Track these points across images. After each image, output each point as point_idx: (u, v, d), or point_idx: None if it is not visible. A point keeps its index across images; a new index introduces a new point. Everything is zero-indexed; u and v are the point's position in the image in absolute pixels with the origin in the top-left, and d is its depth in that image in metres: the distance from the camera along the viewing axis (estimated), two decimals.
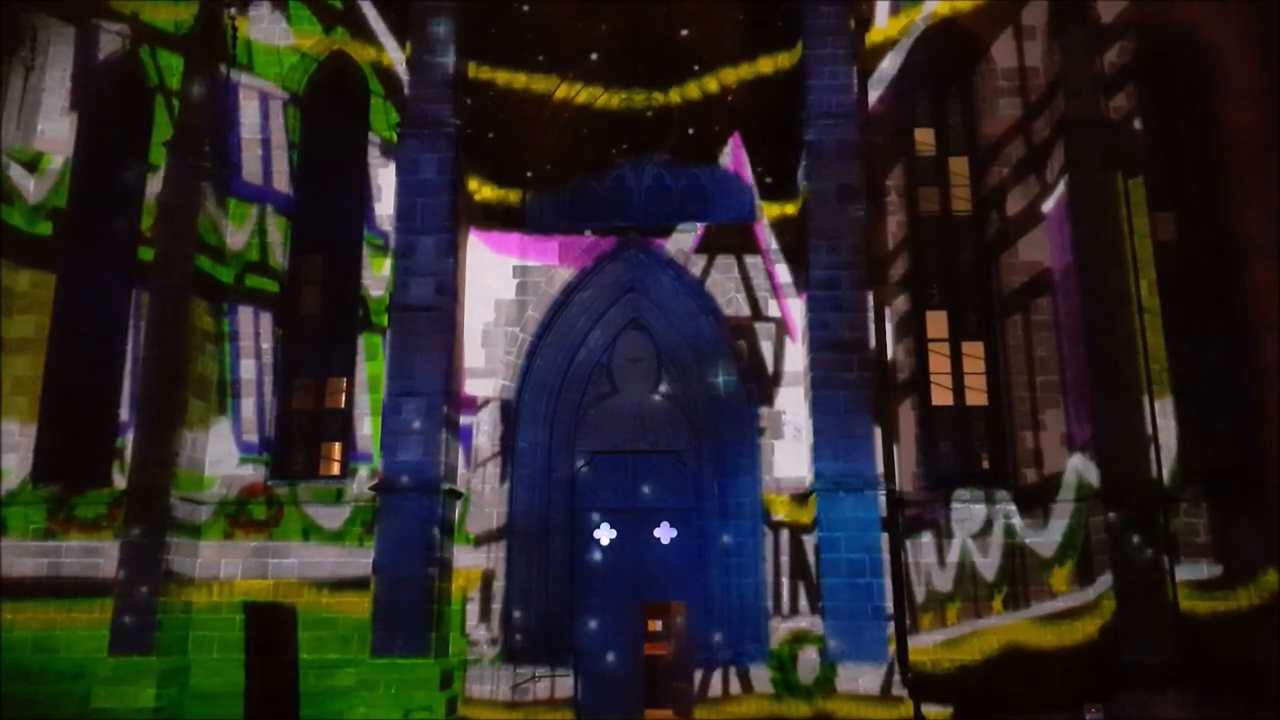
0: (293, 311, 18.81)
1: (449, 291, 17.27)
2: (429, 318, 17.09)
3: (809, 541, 16.75)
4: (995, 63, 18.88)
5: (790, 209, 18.11)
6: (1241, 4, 18.82)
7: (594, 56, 19.14)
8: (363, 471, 17.61)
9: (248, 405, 18.09)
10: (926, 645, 16.72)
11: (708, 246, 18.15)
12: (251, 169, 18.92)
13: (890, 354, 17.83)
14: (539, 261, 18.23)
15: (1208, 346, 18.21)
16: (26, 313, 18.46)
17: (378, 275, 18.27)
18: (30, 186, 19.04)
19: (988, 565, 17.04)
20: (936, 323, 18.53)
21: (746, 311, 17.95)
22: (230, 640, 16.83)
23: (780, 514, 17.08)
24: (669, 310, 18.26)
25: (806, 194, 17.43)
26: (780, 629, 16.67)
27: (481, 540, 17.27)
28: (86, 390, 18.46)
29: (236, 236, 18.61)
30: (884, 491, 16.27)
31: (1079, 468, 17.00)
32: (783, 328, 17.83)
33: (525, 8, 19.21)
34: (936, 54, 19.22)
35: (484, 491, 17.48)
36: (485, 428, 17.69)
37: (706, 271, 18.06)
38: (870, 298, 17.08)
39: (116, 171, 19.39)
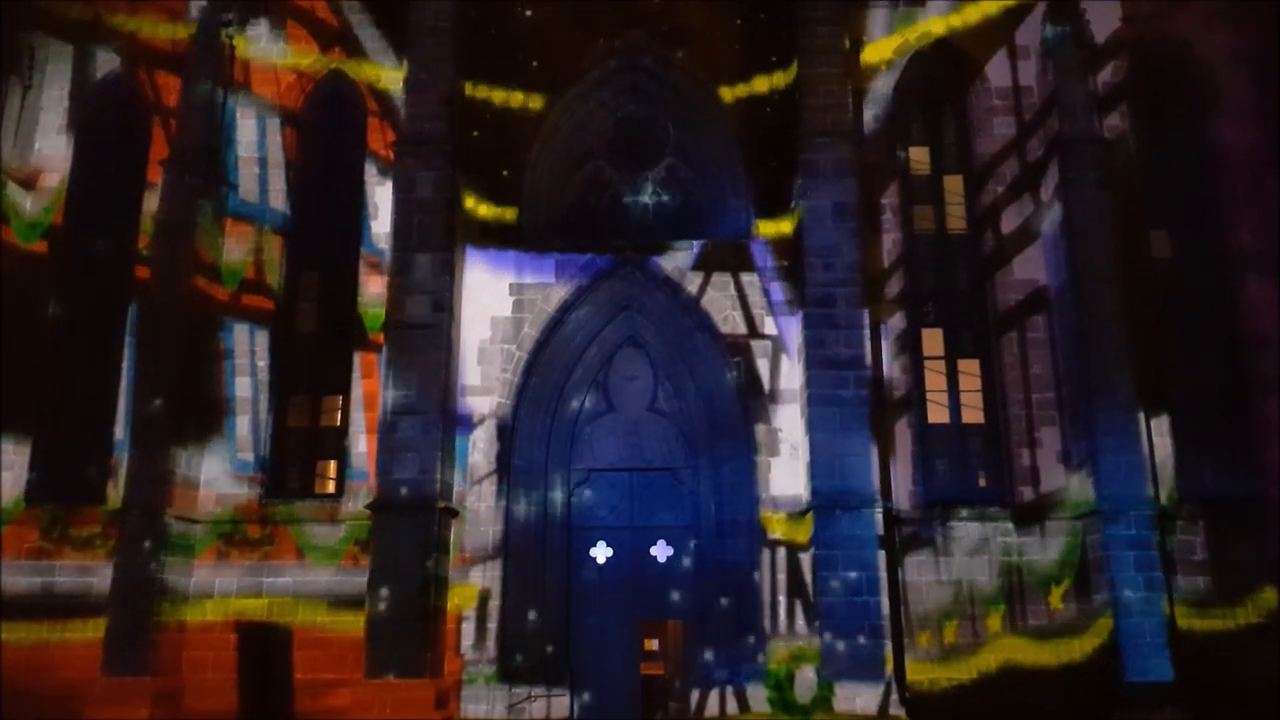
0: (289, 329, 18.78)
1: (445, 309, 17.27)
2: (425, 335, 17.09)
3: (806, 560, 16.73)
4: (989, 82, 18.98)
5: (786, 227, 18.14)
6: (1234, 22, 18.94)
7: (592, 75, 19.20)
8: (358, 490, 17.53)
9: (243, 423, 18.05)
10: (924, 664, 16.66)
11: (704, 264, 18.15)
12: (248, 187, 18.94)
13: (886, 371, 17.87)
14: (535, 279, 18.22)
15: (1204, 363, 18.23)
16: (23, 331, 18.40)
17: (374, 293, 18.27)
18: (27, 204, 19.06)
19: (985, 583, 17.01)
20: (932, 340, 18.57)
21: (743, 329, 17.95)
22: (225, 660, 16.78)
23: (777, 532, 17.04)
24: (665, 328, 18.26)
25: (802, 212, 17.47)
26: (777, 648, 16.59)
27: (477, 559, 17.20)
28: (81, 409, 18.41)
29: (233, 254, 18.59)
30: (881, 509, 16.26)
31: (1076, 485, 17.01)
32: (779, 345, 17.83)
33: (522, 27, 19.28)
34: (931, 73, 19.34)
35: (480, 510, 17.43)
36: (481, 445, 17.64)
37: (703, 289, 18.06)
38: (866, 315, 17.14)
39: (113, 190, 19.37)
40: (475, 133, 18.59)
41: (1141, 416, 16.90)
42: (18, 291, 18.50)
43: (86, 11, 19.63)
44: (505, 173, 18.66)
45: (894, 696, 15.58)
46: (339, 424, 18.35)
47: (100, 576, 16.83)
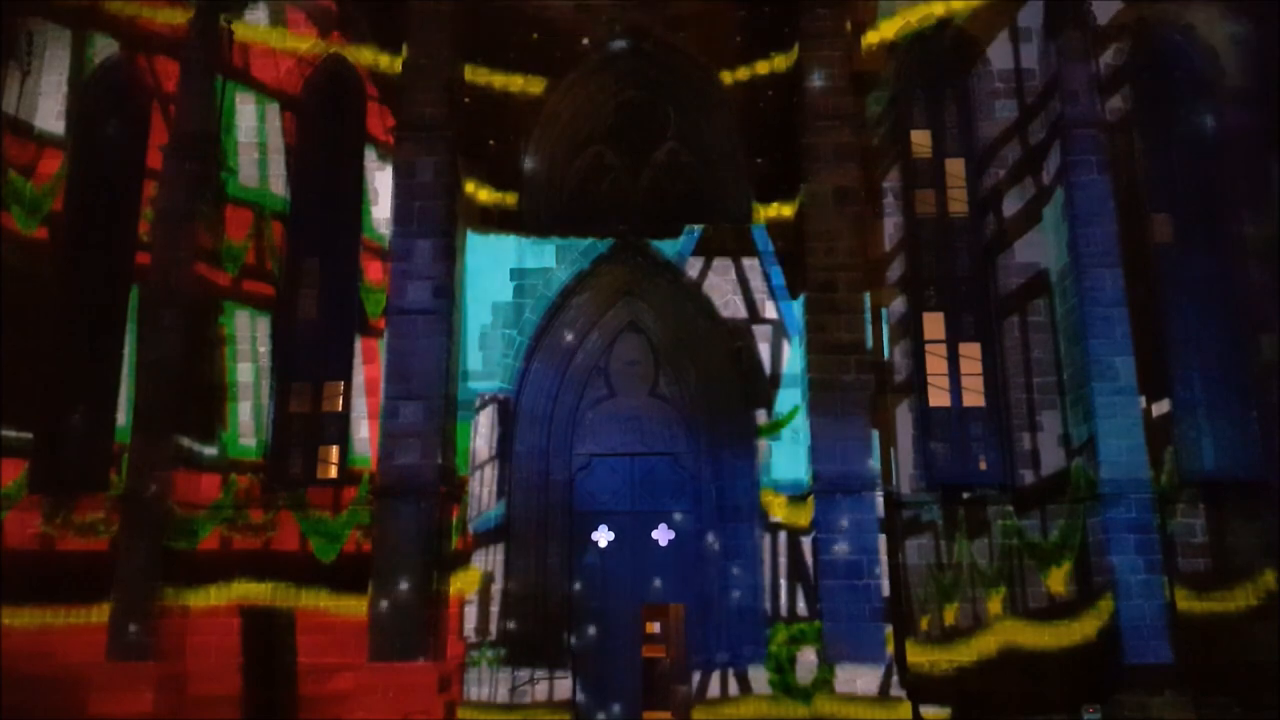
0: (290, 315, 18.76)
1: (446, 294, 17.29)
2: (426, 321, 17.10)
3: (807, 543, 16.76)
4: (992, 65, 18.90)
5: (787, 211, 18.11)
6: (1236, 5, 18.86)
7: (592, 59, 19.14)
8: (360, 475, 17.56)
9: (245, 409, 18.06)
10: (924, 646, 16.73)
11: (705, 249, 18.08)
12: (248, 172, 18.89)
13: (887, 355, 17.88)
14: (536, 264, 18.18)
15: (1204, 347, 18.23)
16: (24, 317, 18.40)
17: (375, 278, 18.25)
18: (26, 191, 19.02)
19: (985, 566, 17.06)
20: (934, 324, 18.55)
21: (744, 314, 17.92)
22: (228, 645, 16.85)
23: (778, 516, 17.06)
24: (666, 313, 18.26)
25: (803, 196, 17.46)
26: (778, 630, 16.61)
27: (479, 543, 17.22)
28: (84, 395, 18.44)
29: (233, 240, 18.57)
30: (881, 493, 16.34)
31: (1076, 469, 17.03)
32: (780, 330, 17.80)
33: (522, 11, 19.17)
34: (933, 56, 19.26)
35: (482, 494, 17.44)
36: (483, 430, 17.64)
37: (704, 274, 18.02)
38: (867, 299, 17.14)
39: (113, 176, 19.36)
40: (476, 117, 18.53)
41: (1142, 400, 16.90)
42: (19, 278, 18.49)
43: None
44: (506, 157, 18.60)
45: (894, 678, 15.68)
46: (341, 409, 18.35)
47: (104, 562, 16.85)
